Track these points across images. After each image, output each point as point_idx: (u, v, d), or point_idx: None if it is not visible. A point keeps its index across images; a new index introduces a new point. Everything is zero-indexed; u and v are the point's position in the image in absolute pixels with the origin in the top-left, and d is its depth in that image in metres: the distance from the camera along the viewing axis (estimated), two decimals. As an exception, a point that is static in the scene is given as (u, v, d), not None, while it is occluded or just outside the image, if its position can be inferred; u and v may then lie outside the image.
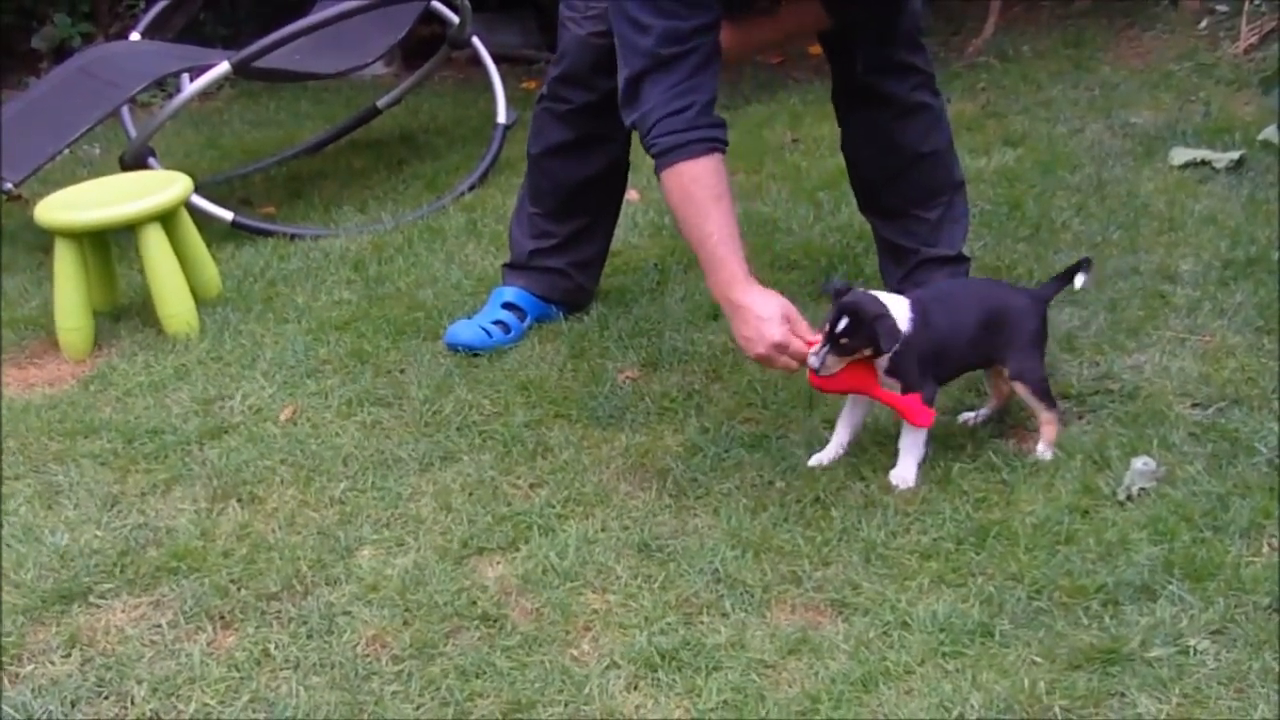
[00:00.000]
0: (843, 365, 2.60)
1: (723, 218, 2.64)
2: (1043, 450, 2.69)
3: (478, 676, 2.22)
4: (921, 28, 3.15)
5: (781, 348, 2.57)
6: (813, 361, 2.57)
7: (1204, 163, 4.04)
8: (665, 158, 2.67)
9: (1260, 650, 2.13)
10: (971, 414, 2.84)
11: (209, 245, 3.83)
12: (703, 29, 2.67)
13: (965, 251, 3.27)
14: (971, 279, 3.22)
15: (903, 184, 3.19)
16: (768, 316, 2.57)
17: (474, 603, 2.39)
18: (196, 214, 3.96)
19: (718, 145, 2.68)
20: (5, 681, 2.30)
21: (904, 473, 2.64)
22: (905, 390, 2.62)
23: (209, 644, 2.36)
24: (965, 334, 2.70)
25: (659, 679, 2.18)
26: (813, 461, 2.71)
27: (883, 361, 2.61)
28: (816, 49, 4.33)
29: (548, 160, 3.37)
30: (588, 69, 3.20)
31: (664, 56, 2.66)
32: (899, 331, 2.58)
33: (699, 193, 2.64)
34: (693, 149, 2.65)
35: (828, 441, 2.75)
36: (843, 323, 2.55)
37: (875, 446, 2.75)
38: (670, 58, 2.66)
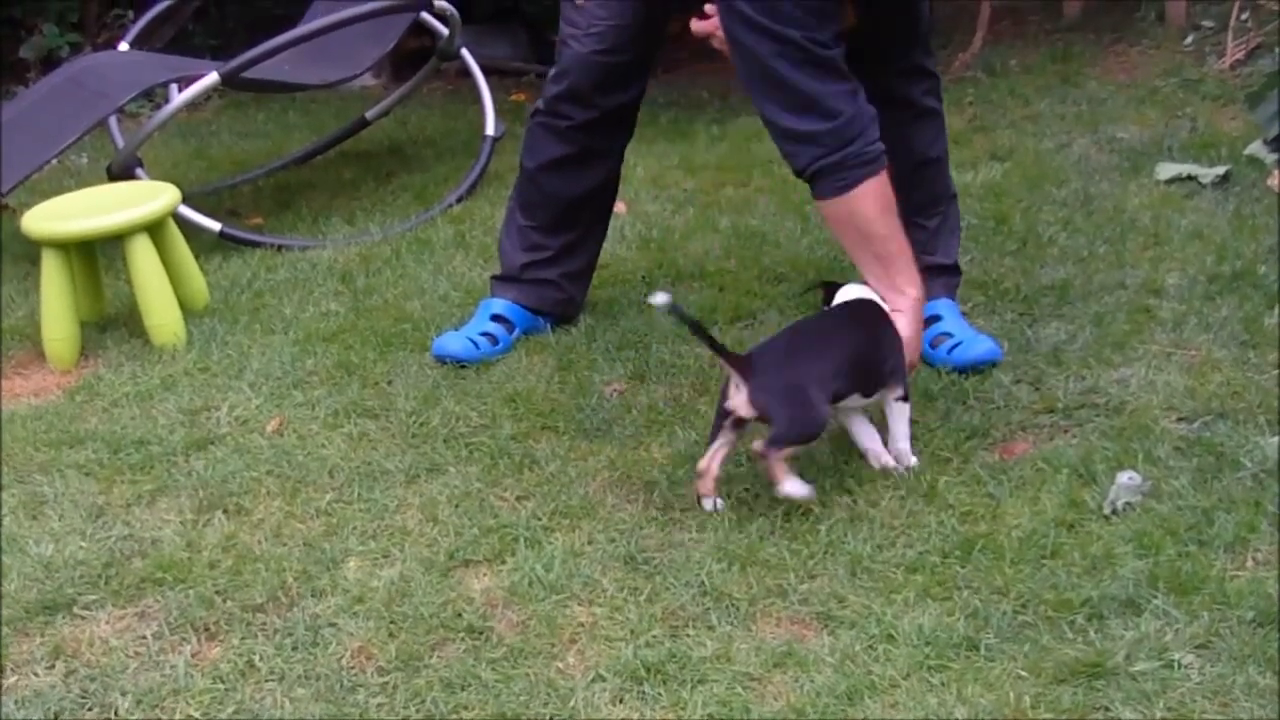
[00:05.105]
0: None
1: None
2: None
3: (463, 688, 2.22)
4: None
5: None
6: None
7: (1190, 178, 4.05)
8: (882, 162, 2.72)
9: (1244, 664, 2.13)
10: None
11: (196, 256, 3.83)
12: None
13: (959, 263, 3.28)
14: None
15: (907, 190, 3.15)
16: None
17: (460, 615, 2.39)
18: (184, 225, 3.96)
19: None
20: (-12, 693, 2.29)
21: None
22: None
23: (194, 655, 2.35)
24: None
25: (644, 692, 2.18)
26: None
27: None
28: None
29: (544, 175, 3.36)
30: (590, 87, 3.20)
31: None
32: None
33: (891, 199, 2.75)
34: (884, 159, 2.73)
35: (814, 455, 2.76)
36: None
37: (858, 460, 2.75)
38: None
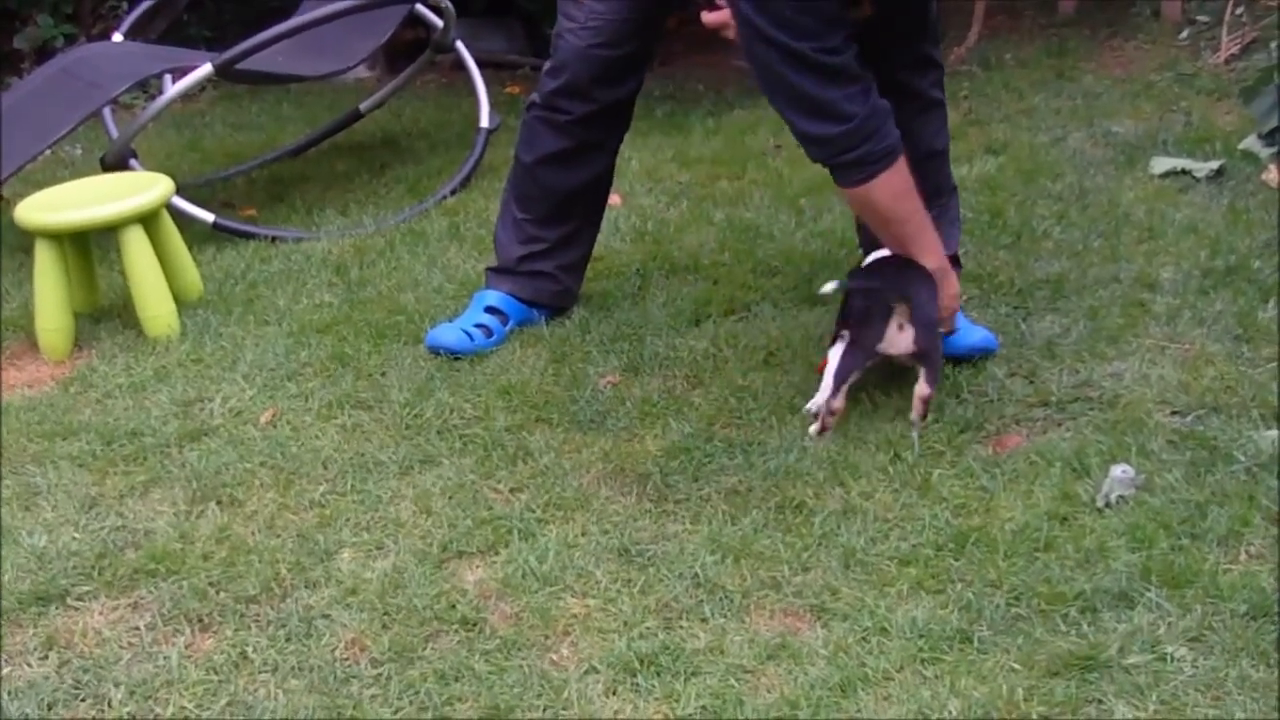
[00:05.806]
0: None
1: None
2: None
3: (456, 680, 2.22)
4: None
5: None
6: None
7: (1184, 172, 4.05)
8: (897, 153, 2.75)
9: (1237, 657, 2.14)
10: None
11: (190, 247, 3.82)
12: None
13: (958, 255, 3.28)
14: None
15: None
16: None
17: (453, 607, 2.39)
18: (178, 216, 3.95)
19: None
20: (-19, 684, 2.29)
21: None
22: None
23: (187, 647, 2.35)
24: None
25: (638, 684, 2.18)
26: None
27: None
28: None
29: (541, 168, 3.35)
30: (588, 81, 3.19)
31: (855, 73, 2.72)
32: None
33: (909, 182, 2.80)
34: (900, 149, 2.78)
35: (807, 448, 2.77)
36: None
37: (858, 451, 2.75)
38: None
